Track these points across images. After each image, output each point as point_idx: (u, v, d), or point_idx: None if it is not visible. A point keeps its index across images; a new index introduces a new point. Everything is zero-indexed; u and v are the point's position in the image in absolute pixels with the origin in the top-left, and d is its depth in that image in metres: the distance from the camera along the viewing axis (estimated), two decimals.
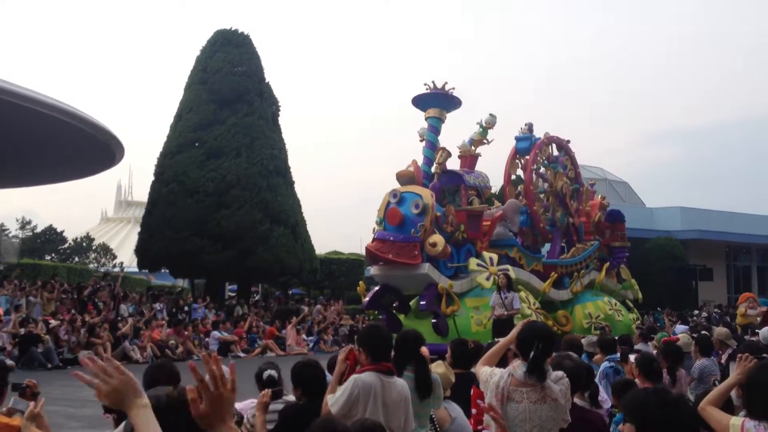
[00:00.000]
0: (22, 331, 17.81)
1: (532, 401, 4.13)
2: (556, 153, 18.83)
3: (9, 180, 30.14)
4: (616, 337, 9.83)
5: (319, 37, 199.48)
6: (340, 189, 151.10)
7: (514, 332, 4.56)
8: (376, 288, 15.84)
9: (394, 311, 15.93)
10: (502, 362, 4.81)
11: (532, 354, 4.14)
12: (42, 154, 24.38)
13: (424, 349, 5.09)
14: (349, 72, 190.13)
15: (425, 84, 16.26)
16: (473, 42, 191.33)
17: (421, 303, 15.13)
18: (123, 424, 2.45)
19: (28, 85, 20.69)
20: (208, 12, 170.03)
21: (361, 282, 16.86)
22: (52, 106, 21.15)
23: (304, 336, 23.87)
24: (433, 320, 14.71)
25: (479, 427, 5.69)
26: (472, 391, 5.84)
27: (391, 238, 14.60)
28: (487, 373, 4.39)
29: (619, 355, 7.98)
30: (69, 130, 21.93)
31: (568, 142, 19.34)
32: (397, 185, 15.24)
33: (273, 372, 5.37)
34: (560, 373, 4.27)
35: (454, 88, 16.32)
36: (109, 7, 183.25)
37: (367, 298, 15.88)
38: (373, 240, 14.96)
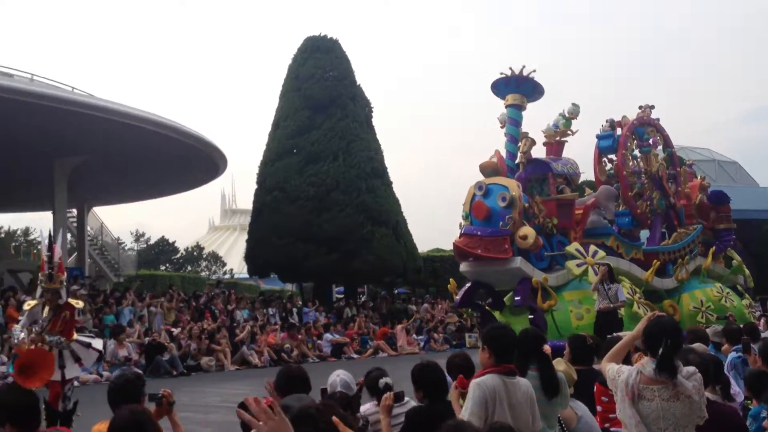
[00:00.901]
0: (147, 340, 18.71)
1: (664, 399, 4.05)
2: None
3: (124, 196, 31.67)
4: (741, 326, 9.44)
5: (400, 32, 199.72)
6: (436, 185, 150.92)
7: (639, 327, 4.47)
8: (467, 285, 15.18)
9: (487, 308, 15.62)
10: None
11: (660, 350, 4.06)
12: (152, 170, 25.48)
13: (547, 347, 5.05)
14: (437, 64, 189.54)
15: (502, 73, 15.79)
16: (554, 25, 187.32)
17: (516, 298, 14.56)
18: None
19: (132, 103, 21.76)
20: (297, 20, 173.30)
21: (451, 279, 16.55)
22: (159, 124, 22.11)
23: (414, 336, 24.02)
24: (530, 316, 14.08)
25: (605, 425, 5.61)
26: (595, 388, 5.76)
27: (479, 233, 14.03)
28: (614, 370, 4.33)
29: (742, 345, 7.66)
30: (176, 145, 22.85)
31: (658, 120, 18.38)
32: (481, 177, 14.88)
33: (388, 379, 5.42)
34: (692, 368, 4.16)
35: (534, 71, 15.76)
36: (205, 24, 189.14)
37: (458, 296, 15.44)
38: (461, 235, 14.38)
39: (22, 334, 8.12)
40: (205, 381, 16.12)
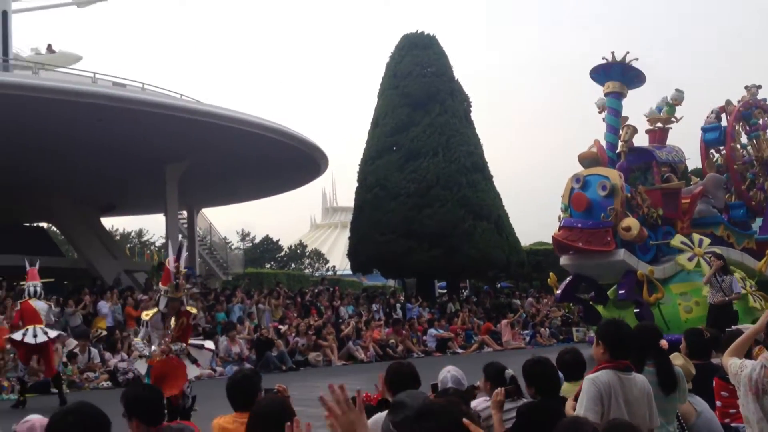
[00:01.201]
0: (256, 336, 19.30)
1: None
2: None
3: (230, 197, 32.70)
4: None
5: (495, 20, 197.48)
6: (538, 177, 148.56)
7: (762, 321, 4.33)
8: (568, 279, 14.95)
9: (590, 302, 15.25)
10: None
11: None
12: (257, 171, 26.19)
13: (664, 342, 4.94)
14: (536, 55, 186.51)
15: (603, 58, 15.36)
16: (656, 13, 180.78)
17: (620, 292, 14.23)
18: None
19: (236, 107, 22.41)
20: (395, 19, 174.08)
21: (551, 273, 16.22)
22: (263, 126, 22.72)
23: (519, 330, 23.82)
24: (636, 310, 13.72)
25: (725, 420, 5.44)
26: (714, 382, 5.59)
27: (580, 225, 13.78)
28: (736, 365, 4.21)
29: None
30: (279, 146, 23.41)
31: (765, 101, 17.37)
32: (580, 168, 14.51)
33: (511, 371, 5.43)
34: None
35: (636, 59, 15.25)
36: (303, 27, 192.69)
37: (559, 291, 15.12)
38: (560, 228, 14.16)
39: (154, 347, 8.57)
40: (314, 376, 16.47)
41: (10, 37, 25.04)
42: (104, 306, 19.12)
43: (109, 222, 33.58)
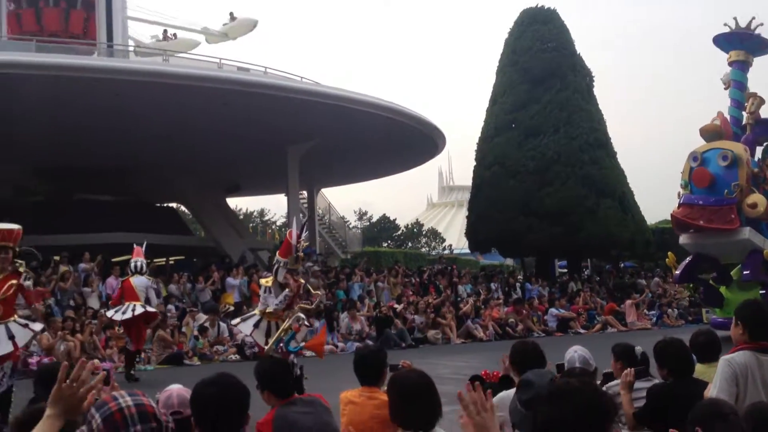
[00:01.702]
0: (375, 314, 19.59)
1: None
2: None
3: (348, 177, 33.17)
4: None
5: None
6: (665, 153, 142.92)
7: None
8: (688, 258, 14.30)
9: (712, 283, 14.51)
10: None
11: None
12: (375, 151, 26.42)
13: None
14: (660, 27, 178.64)
15: (725, 24, 14.46)
16: None
17: (745, 273, 13.43)
18: None
19: (354, 88, 22.67)
20: None
21: (670, 253, 15.51)
22: (381, 107, 22.87)
23: (645, 311, 23.09)
24: (762, 291, 12.98)
25: None
26: None
27: (701, 202, 13.17)
28: None
29: None
30: (397, 126, 23.51)
31: None
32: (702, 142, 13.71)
33: (640, 348, 5.31)
34: None
35: (761, 24, 14.29)
36: (420, 5, 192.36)
37: (678, 271, 14.47)
38: (679, 205, 13.57)
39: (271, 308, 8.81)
40: (433, 353, 16.54)
41: (118, 23, 25.91)
42: (232, 282, 19.86)
43: (233, 202, 34.77)
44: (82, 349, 14.20)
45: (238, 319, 10.33)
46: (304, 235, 9.37)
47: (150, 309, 12.98)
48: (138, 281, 12.91)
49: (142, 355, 14.96)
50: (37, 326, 9.67)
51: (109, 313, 13.17)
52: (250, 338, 16.62)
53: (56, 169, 24.00)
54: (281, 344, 8.51)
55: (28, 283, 9.07)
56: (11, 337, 8.29)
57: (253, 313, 8.93)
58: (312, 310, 11.86)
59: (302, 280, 9.37)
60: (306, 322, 9.23)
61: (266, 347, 8.58)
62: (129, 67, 20.04)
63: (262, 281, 9.46)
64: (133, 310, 12.53)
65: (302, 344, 8.88)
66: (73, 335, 14.77)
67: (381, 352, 4.97)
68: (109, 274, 18.38)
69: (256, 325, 8.84)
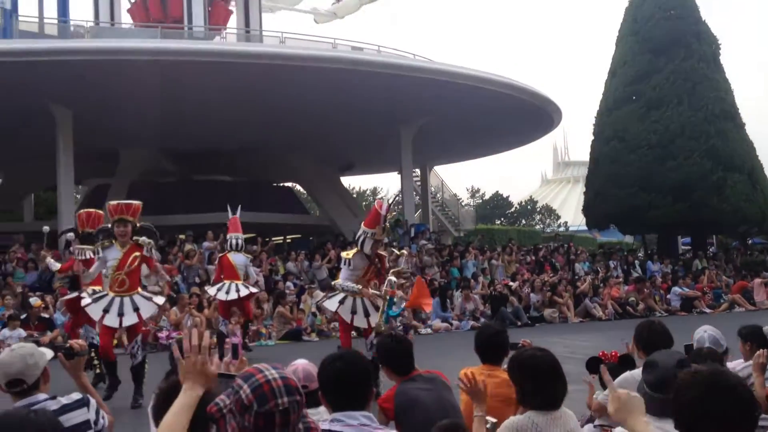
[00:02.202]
0: (490, 292, 19.44)
1: None
2: None
3: (461, 154, 32.94)
4: None
5: None
6: None
7: None
8: None
9: None
10: None
11: None
12: (488, 128, 26.08)
13: None
14: None
15: None
16: None
17: None
18: None
19: (467, 64, 22.38)
20: None
21: None
22: (495, 82, 22.54)
23: None
24: None
25: None
26: None
27: None
28: None
29: None
30: (511, 102, 23.11)
31: None
32: None
33: None
34: None
35: None
36: None
37: None
38: None
39: (351, 284, 8.75)
40: (551, 332, 16.26)
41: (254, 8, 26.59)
42: None
43: (345, 181, 35.15)
44: (208, 324, 14.76)
45: (322, 296, 10.32)
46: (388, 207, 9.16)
47: (253, 290, 13.07)
48: (237, 259, 12.76)
49: (263, 330, 15.46)
50: (160, 299, 10.16)
51: (212, 291, 13.07)
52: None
53: (179, 152, 25.02)
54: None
55: (155, 252, 9.53)
56: (136, 309, 8.74)
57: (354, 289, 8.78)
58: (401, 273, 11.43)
59: (384, 252, 9.27)
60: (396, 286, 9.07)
61: (374, 325, 8.56)
62: (249, 51, 20.59)
63: (344, 254, 9.39)
64: (238, 290, 12.50)
65: (402, 305, 8.81)
66: (199, 311, 15.41)
67: (504, 333, 4.93)
68: None
69: (342, 302, 8.72)
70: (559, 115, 27.05)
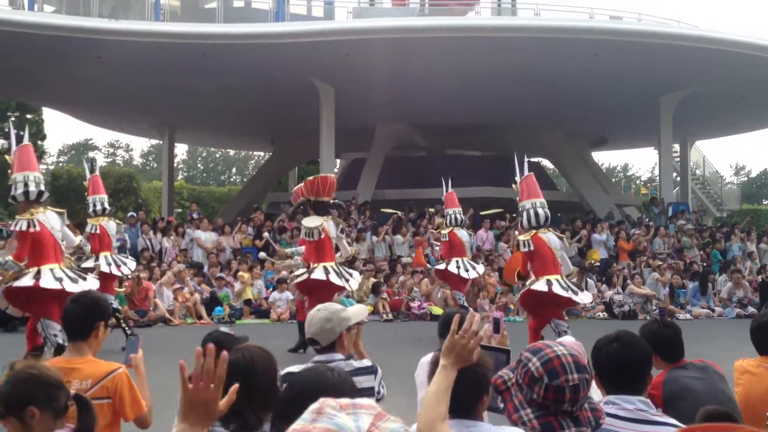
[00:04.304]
0: (760, 278, 17.96)
1: None
2: None
3: (726, 128, 30.45)
4: None
5: None
6: None
7: None
8: None
9: None
10: None
11: None
12: (758, 99, 23.87)
13: None
14: None
15: None
16: None
17: None
18: None
19: (739, 30, 20.48)
20: None
21: None
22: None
23: None
24: None
25: None
26: None
27: None
28: None
29: None
30: None
31: None
32: None
33: None
34: None
35: None
36: None
37: None
38: None
39: None
40: None
41: None
42: (598, 238, 19.55)
43: (595, 156, 33.89)
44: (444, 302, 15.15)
45: None
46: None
47: (480, 270, 13.30)
48: (463, 235, 12.78)
49: (512, 306, 15.56)
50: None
51: (451, 267, 12.67)
52: (620, 296, 16.41)
53: (432, 126, 25.62)
54: None
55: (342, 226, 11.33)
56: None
57: None
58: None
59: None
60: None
61: None
62: (505, 25, 20.60)
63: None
64: (474, 268, 12.77)
65: None
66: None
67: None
68: (479, 227, 19.25)
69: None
70: None
